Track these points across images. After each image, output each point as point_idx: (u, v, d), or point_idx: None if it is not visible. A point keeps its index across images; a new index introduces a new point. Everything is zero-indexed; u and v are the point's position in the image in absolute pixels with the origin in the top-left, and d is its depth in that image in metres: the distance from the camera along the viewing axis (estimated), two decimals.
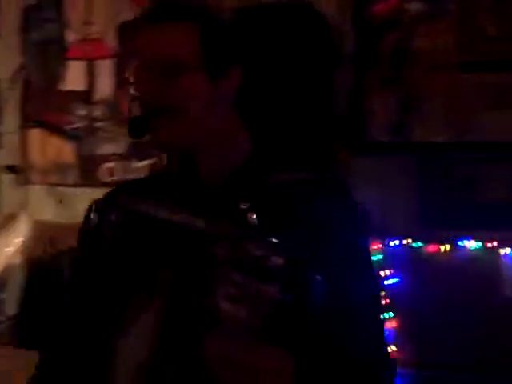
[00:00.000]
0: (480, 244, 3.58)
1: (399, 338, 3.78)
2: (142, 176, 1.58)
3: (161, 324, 1.12)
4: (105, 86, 4.50)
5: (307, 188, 1.26)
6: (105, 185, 4.39)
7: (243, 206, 1.12)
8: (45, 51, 4.67)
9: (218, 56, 1.18)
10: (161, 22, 1.15)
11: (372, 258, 3.68)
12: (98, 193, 4.42)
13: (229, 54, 1.20)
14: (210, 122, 1.23)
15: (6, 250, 4.27)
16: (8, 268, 4.06)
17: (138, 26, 1.19)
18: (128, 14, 4.43)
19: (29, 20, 4.69)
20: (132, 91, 1.26)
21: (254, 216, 1.10)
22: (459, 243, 3.63)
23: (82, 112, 4.54)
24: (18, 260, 4.10)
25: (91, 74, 4.55)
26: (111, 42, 4.52)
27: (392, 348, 3.82)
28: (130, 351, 1.12)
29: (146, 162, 4.32)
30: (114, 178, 4.38)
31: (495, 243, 3.58)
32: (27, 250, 4.06)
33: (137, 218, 1.18)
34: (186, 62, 1.15)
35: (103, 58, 4.53)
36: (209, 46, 1.16)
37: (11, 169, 4.44)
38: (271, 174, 1.28)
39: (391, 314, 3.81)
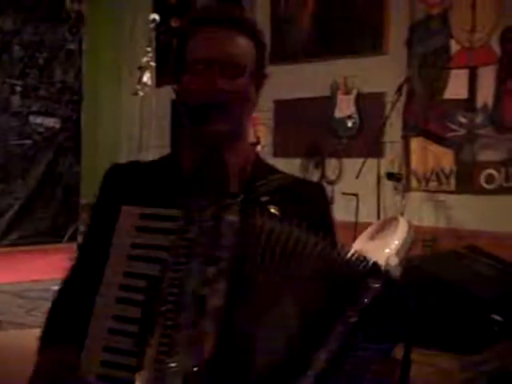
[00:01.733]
0: None
1: None
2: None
3: None
4: (487, 92, 4.45)
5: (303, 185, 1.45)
6: (484, 192, 4.35)
7: (264, 199, 1.27)
8: (429, 62, 4.81)
9: (262, 68, 1.38)
10: (232, 29, 1.31)
11: None
12: (476, 200, 4.39)
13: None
14: (245, 120, 1.37)
15: (385, 251, 4.48)
16: (385, 268, 4.25)
17: (207, 28, 1.31)
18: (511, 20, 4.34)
19: (415, 34, 4.87)
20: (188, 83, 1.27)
21: (273, 209, 1.25)
22: None
23: (463, 120, 4.55)
24: (394, 261, 4.27)
25: (473, 82, 4.53)
26: (495, 48, 4.45)
27: None
28: None
29: None
30: (494, 185, 4.29)
31: None
32: (402, 251, 4.20)
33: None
34: (247, 67, 1.31)
35: (486, 64, 4.49)
36: (259, 59, 1.36)
37: (392, 176, 4.64)
38: (273, 171, 1.43)
39: None
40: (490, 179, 4.33)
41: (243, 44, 1.32)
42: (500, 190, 4.26)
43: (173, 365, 1.12)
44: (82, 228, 4.60)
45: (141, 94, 3.96)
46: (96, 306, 1.19)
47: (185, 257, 1.16)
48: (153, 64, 4.16)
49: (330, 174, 5.41)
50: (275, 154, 5.93)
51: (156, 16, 4.17)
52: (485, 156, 4.36)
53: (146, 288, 1.17)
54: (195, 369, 1.12)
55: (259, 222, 1.17)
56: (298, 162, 5.67)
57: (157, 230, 1.20)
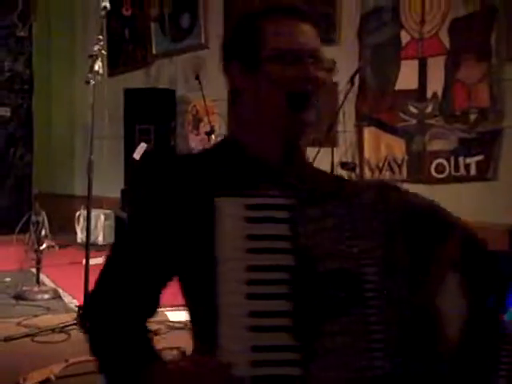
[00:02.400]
0: None
1: None
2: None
3: None
4: (436, 83, 4.53)
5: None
6: (434, 181, 4.44)
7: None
8: (380, 53, 4.87)
9: None
10: (310, 23, 1.36)
11: None
12: (426, 188, 4.49)
13: None
14: None
15: None
16: None
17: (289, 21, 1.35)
18: (460, 11, 4.41)
19: (367, 24, 4.93)
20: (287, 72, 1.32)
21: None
22: None
23: (414, 110, 4.63)
24: None
25: (423, 73, 4.61)
26: (444, 39, 4.53)
27: None
28: None
29: (474, 159, 4.25)
30: (444, 174, 4.38)
31: None
32: None
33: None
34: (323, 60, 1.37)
35: (436, 55, 4.57)
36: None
37: (346, 165, 4.69)
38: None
39: None
40: (440, 168, 4.42)
41: (318, 38, 1.37)
42: (449, 179, 4.35)
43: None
44: (34, 218, 4.54)
45: (92, 82, 3.91)
46: (220, 305, 1.10)
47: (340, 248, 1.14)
48: (104, 52, 4.11)
49: None
50: None
51: (107, 3, 4.11)
52: (435, 145, 4.45)
53: (290, 280, 1.11)
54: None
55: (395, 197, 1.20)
56: None
57: (269, 220, 1.15)
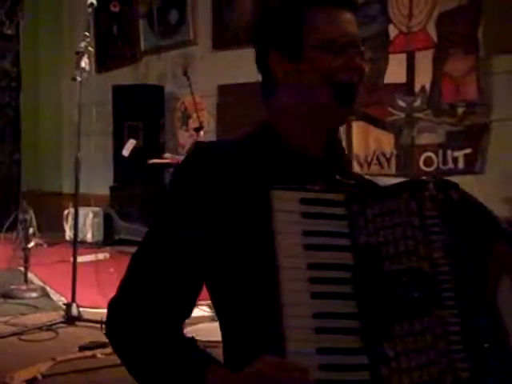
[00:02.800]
0: None
1: None
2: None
3: None
4: (424, 77, 4.53)
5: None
6: (423, 174, 4.44)
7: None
8: (369, 47, 4.87)
9: None
10: (352, 12, 1.31)
11: None
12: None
13: None
14: None
15: None
16: None
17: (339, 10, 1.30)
18: (447, 4, 4.41)
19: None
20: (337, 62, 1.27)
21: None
22: None
23: (402, 104, 4.63)
24: None
25: (412, 66, 4.61)
26: (432, 32, 4.52)
27: None
28: None
29: (462, 152, 4.25)
30: (432, 168, 4.38)
31: None
32: None
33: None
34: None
35: (424, 49, 4.56)
36: None
37: None
38: None
39: None
40: (428, 162, 4.42)
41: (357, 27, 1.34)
42: (438, 173, 4.35)
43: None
44: (22, 217, 4.51)
45: (79, 79, 3.89)
46: (284, 305, 1.03)
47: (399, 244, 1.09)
48: (91, 49, 4.09)
49: None
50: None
51: (94, 0, 4.09)
52: (423, 139, 4.45)
53: (354, 279, 1.06)
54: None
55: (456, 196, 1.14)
56: None
57: (326, 216, 1.10)
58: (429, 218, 1.12)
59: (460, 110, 4.29)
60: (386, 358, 1.03)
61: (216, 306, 1.27)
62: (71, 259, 3.79)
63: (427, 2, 4.54)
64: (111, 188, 6.24)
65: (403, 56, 4.66)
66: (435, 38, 4.50)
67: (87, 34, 4.04)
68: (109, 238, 6.13)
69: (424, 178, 1.18)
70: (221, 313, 1.26)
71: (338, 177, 1.27)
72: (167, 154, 5.23)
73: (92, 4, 4.11)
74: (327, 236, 1.08)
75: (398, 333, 1.05)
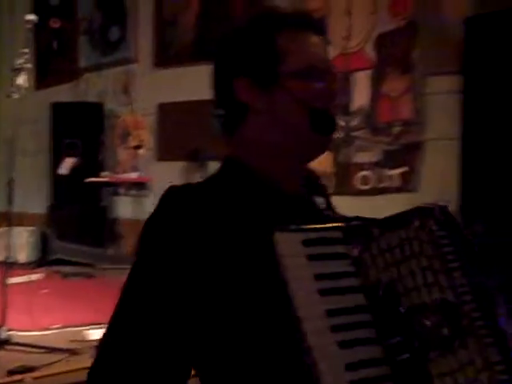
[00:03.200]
0: None
1: None
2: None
3: None
4: (362, 96, 4.58)
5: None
6: (360, 193, 4.48)
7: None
8: None
9: None
10: (322, 34, 1.25)
11: None
12: (352, 200, 4.50)
13: None
14: None
15: None
16: None
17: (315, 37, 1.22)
18: (385, 26, 4.49)
19: None
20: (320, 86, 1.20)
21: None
22: None
23: (341, 123, 4.67)
24: None
25: (350, 86, 4.66)
26: (370, 53, 4.59)
27: None
28: None
29: (398, 170, 4.30)
30: (368, 186, 4.42)
31: None
32: None
33: None
34: None
35: (362, 69, 4.62)
36: None
37: None
38: None
39: None
40: (365, 180, 4.46)
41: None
42: (374, 191, 4.39)
43: None
44: None
45: (16, 96, 3.80)
46: (317, 363, 0.93)
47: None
48: (29, 66, 4.01)
49: None
50: (159, 158, 5.88)
51: (33, 16, 4.01)
52: (360, 158, 4.49)
53: (375, 321, 0.99)
54: None
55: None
56: (181, 165, 5.64)
57: (329, 256, 1.02)
58: (443, 246, 1.07)
59: (396, 129, 4.35)
60: None
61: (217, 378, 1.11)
62: (2, 280, 3.68)
63: (365, 23, 4.60)
64: (48, 207, 6.12)
65: (341, 76, 4.71)
66: (373, 59, 4.57)
67: (26, 50, 3.96)
68: (44, 257, 6.00)
69: (424, 204, 1.11)
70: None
71: (326, 212, 1.22)
72: (105, 173, 5.16)
73: (31, 20, 4.05)
74: (336, 278, 1.01)
75: (435, 372, 0.98)
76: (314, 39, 1.20)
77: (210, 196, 1.12)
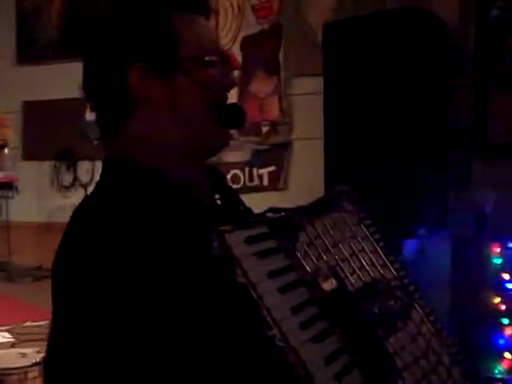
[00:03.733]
0: None
1: None
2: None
3: None
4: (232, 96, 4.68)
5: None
6: None
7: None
8: None
9: None
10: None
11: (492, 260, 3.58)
12: None
13: None
14: None
15: None
16: None
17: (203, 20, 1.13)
18: (251, 28, 4.62)
19: None
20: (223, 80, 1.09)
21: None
22: None
23: None
24: None
25: None
26: (237, 54, 4.70)
27: (508, 356, 3.67)
28: None
29: (267, 170, 4.46)
30: (239, 185, 4.54)
31: None
32: None
33: None
34: None
35: None
36: None
37: None
38: None
39: (507, 321, 3.66)
40: (235, 179, 4.58)
41: None
42: (245, 189, 4.52)
43: None
44: None
45: None
46: (308, 366, 0.89)
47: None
48: None
49: (83, 177, 5.35)
50: (25, 158, 5.72)
51: None
52: (231, 157, 4.60)
53: (327, 310, 0.95)
54: None
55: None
56: (49, 165, 5.52)
57: (268, 252, 0.95)
58: (369, 227, 1.09)
59: (264, 129, 4.50)
60: (393, 381, 0.97)
61: None
62: None
63: (232, 25, 4.71)
64: None
65: None
66: (240, 60, 4.68)
67: None
68: None
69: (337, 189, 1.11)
70: None
71: (241, 207, 1.17)
72: None
73: None
74: (283, 273, 0.96)
75: (392, 350, 0.99)
76: (207, 22, 1.12)
77: (130, 212, 0.98)
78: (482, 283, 3.70)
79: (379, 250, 1.09)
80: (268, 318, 0.88)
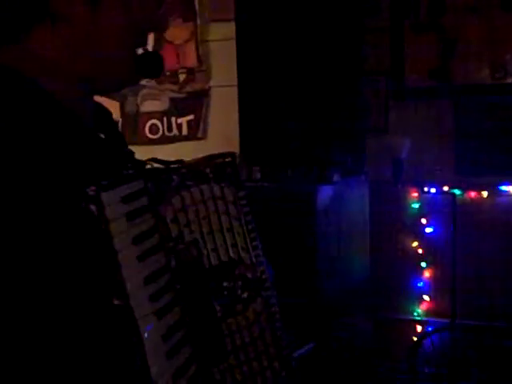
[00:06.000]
0: None
1: (433, 288, 3.69)
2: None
3: None
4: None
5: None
6: (149, 142, 4.47)
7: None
8: None
9: None
10: None
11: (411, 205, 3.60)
12: (142, 150, 4.49)
13: None
14: None
15: None
16: None
17: None
18: None
19: None
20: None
21: None
22: (501, 189, 3.49)
23: None
24: None
25: None
26: None
27: (426, 298, 3.75)
28: None
29: (185, 118, 4.35)
30: (157, 135, 4.43)
31: None
32: None
33: None
34: None
35: None
36: None
37: None
38: None
39: (425, 264, 3.72)
40: (154, 129, 4.46)
41: None
42: (163, 140, 4.41)
43: None
44: None
45: None
46: (145, 339, 0.87)
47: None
48: None
49: None
50: None
51: None
52: (148, 107, 4.47)
53: (172, 283, 0.93)
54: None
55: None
56: None
57: (139, 212, 0.91)
58: (243, 206, 1.07)
59: (181, 77, 4.37)
60: (218, 360, 0.99)
61: None
62: None
63: None
64: None
65: None
66: None
67: None
68: None
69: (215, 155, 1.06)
70: None
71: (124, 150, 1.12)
72: None
73: None
74: (147, 238, 0.92)
75: (226, 332, 1.01)
76: None
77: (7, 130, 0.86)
78: (400, 228, 3.74)
79: (246, 232, 1.08)
80: (120, 289, 0.86)
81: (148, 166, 1.02)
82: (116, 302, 0.85)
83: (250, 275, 1.07)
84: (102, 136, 1.06)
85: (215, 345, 0.99)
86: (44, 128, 0.91)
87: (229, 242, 1.05)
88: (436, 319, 3.67)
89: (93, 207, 0.84)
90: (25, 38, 0.96)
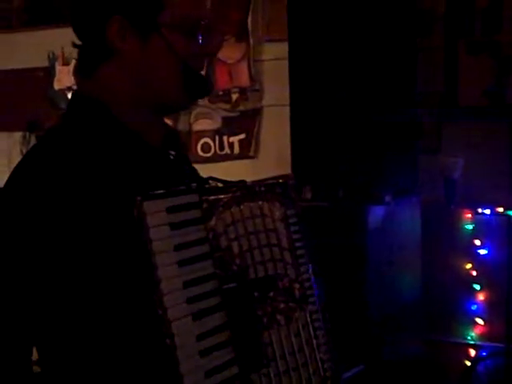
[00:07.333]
0: None
1: (487, 311, 3.60)
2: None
3: None
4: None
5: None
6: (201, 160, 4.50)
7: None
8: None
9: None
10: None
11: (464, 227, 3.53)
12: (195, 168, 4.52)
13: None
14: None
15: None
16: None
17: None
18: None
19: None
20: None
21: None
22: None
23: None
24: None
25: None
26: None
27: (480, 322, 3.66)
28: None
29: (237, 137, 4.37)
30: (209, 154, 4.47)
31: None
32: None
33: None
34: None
35: None
36: None
37: None
38: None
39: (479, 287, 3.64)
40: (206, 148, 4.49)
41: None
42: (215, 158, 4.45)
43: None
44: None
45: None
46: (174, 335, 0.94)
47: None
48: None
49: None
50: None
51: None
52: (200, 125, 4.51)
53: (222, 289, 1.01)
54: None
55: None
56: (18, 135, 5.41)
57: (187, 223, 1.01)
58: (293, 225, 1.14)
59: (234, 97, 4.41)
60: (258, 366, 1.03)
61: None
62: None
63: None
64: None
65: None
66: None
67: None
68: None
69: (277, 178, 1.17)
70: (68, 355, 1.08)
71: (186, 168, 1.21)
72: None
73: None
74: (193, 246, 1.01)
75: (267, 340, 1.05)
76: None
77: (73, 148, 1.05)
78: (453, 249, 3.67)
79: (293, 249, 1.13)
80: (155, 288, 0.94)
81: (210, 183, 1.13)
82: (150, 300, 0.92)
83: (294, 290, 1.11)
84: (172, 154, 1.19)
85: (256, 351, 1.03)
86: (111, 147, 1.07)
87: (276, 257, 1.10)
88: (490, 343, 3.59)
89: (135, 212, 0.94)
90: (94, 73, 1.15)
